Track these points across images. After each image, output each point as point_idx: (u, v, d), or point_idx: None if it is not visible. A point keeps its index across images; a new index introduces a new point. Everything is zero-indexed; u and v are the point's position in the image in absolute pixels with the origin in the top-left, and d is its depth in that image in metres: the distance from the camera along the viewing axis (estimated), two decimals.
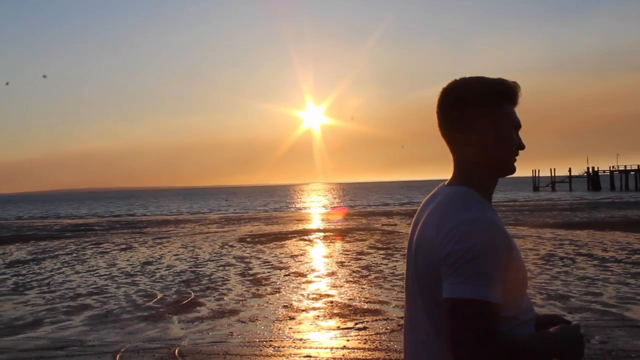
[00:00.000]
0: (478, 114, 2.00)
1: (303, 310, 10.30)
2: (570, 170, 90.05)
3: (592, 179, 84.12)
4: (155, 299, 11.72)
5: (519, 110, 2.10)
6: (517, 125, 2.06)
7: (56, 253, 21.76)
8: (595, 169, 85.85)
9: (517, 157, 2.07)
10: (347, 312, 10.06)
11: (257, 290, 12.34)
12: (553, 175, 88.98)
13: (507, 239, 1.87)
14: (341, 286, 12.47)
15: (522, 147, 2.07)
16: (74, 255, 20.88)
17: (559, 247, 17.98)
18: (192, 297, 11.83)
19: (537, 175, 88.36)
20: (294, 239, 23.61)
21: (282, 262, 16.64)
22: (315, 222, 35.91)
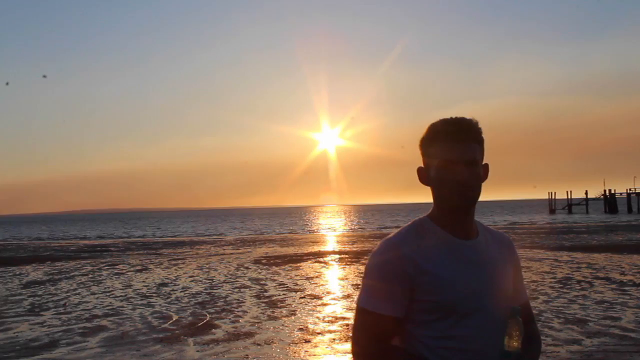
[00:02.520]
0: (423, 156, 2.30)
1: (319, 333, 10.26)
2: (586, 193, 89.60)
3: (609, 201, 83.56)
4: (171, 321, 11.71)
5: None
6: (446, 161, 2.19)
7: (72, 274, 21.81)
8: (612, 192, 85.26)
9: (469, 189, 2.21)
10: None
11: (273, 312, 12.32)
12: (569, 197, 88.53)
13: (412, 262, 2.20)
14: None
15: (457, 180, 2.18)
16: (90, 276, 20.93)
17: (576, 271, 17.84)
18: (208, 319, 11.81)
19: (553, 197, 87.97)
20: (309, 261, 23.56)
21: (297, 284, 16.60)
22: (331, 244, 35.82)
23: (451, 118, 2.23)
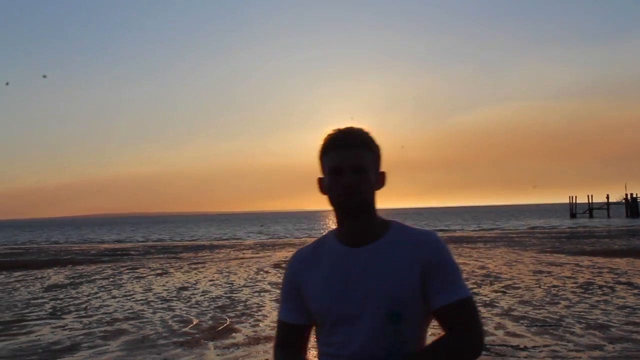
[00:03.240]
0: (320, 166, 2.38)
1: None
2: (608, 197, 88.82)
3: (631, 205, 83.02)
4: (191, 325, 11.74)
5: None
6: (333, 169, 2.28)
7: (93, 277, 21.93)
8: (634, 196, 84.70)
9: (354, 193, 2.25)
10: None
11: None
12: (590, 202, 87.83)
13: (298, 271, 2.41)
14: None
15: (342, 184, 2.25)
16: (111, 279, 21.03)
17: (597, 275, 17.68)
18: (228, 323, 11.83)
19: (574, 202, 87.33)
20: None
21: None
22: None
23: (343, 128, 2.31)
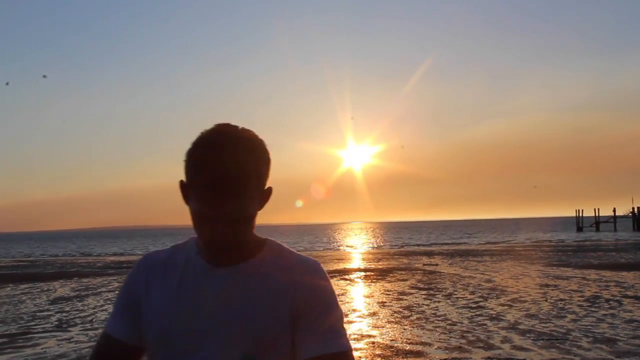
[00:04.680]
0: (185, 173, 1.83)
1: None
2: (614, 210, 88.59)
3: (638, 219, 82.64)
4: None
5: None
6: (209, 217, 1.74)
7: (99, 290, 21.96)
8: None
9: (224, 247, 1.78)
10: (389, 353, 9.97)
11: None
12: (597, 215, 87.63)
13: (141, 280, 1.95)
14: (383, 327, 12.38)
15: (215, 238, 1.75)
16: (117, 292, 20.97)
17: (604, 289, 17.65)
18: None
19: (580, 215, 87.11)
20: (335, 278, 23.50)
21: None
22: (356, 261, 35.75)
23: (221, 156, 1.72)
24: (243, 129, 1.82)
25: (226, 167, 1.71)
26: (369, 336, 11.40)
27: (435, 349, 10.18)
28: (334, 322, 1.81)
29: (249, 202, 1.76)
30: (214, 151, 1.73)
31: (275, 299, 1.80)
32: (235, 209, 1.73)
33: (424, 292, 18.26)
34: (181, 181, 1.85)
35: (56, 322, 14.43)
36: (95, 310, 16.43)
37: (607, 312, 13.46)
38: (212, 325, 1.78)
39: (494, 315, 13.35)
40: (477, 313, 13.80)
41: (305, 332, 1.78)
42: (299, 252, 1.96)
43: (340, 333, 1.81)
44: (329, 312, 1.81)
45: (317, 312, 1.80)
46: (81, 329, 13.39)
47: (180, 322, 1.80)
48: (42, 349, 11.24)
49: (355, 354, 9.87)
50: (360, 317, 13.85)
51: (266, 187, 1.86)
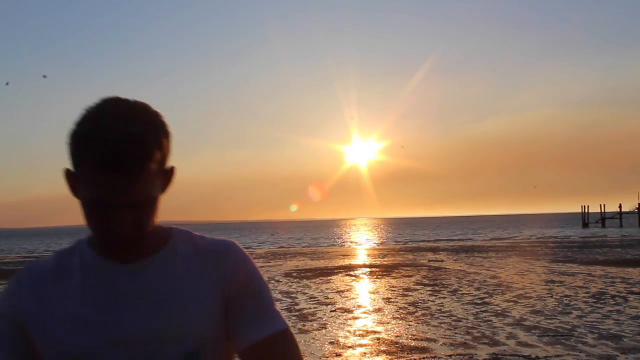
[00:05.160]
0: (71, 159, 1.50)
1: (349, 347, 10.24)
2: (620, 206, 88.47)
3: None
4: None
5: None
6: (97, 201, 1.45)
7: None
8: None
9: (124, 237, 1.49)
10: (394, 349, 9.98)
11: (304, 325, 12.32)
12: (603, 211, 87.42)
13: (24, 300, 1.57)
14: (388, 323, 12.39)
15: (114, 230, 1.47)
16: None
17: (610, 285, 17.62)
18: None
19: (586, 211, 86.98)
20: (340, 274, 23.54)
21: (328, 298, 16.60)
22: (361, 257, 35.78)
23: (113, 127, 1.41)
24: (136, 100, 1.52)
25: (121, 140, 1.40)
26: (374, 332, 11.41)
27: (441, 345, 10.18)
28: (266, 303, 1.66)
29: (151, 182, 1.48)
30: (104, 123, 1.42)
31: (201, 290, 1.59)
32: (137, 191, 1.44)
33: (429, 288, 18.27)
34: (66, 169, 1.53)
35: None
36: None
37: (612, 309, 13.44)
38: (138, 329, 1.53)
39: (499, 312, 13.35)
40: (483, 309, 13.80)
41: (239, 318, 1.62)
42: (210, 236, 1.74)
43: (275, 312, 1.66)
44: (259, 294, 1.66)
45: (249, 296, 1.63)
46: None
47: (103, 336, 1.52)
48: None
49: (361, 350, 9.93)
50: (365, 313, 13.86)
51: (168, 166, 1.56)
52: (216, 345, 1.62)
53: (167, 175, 1.59)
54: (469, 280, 20.01)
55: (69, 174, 1.53)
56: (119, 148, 1.39)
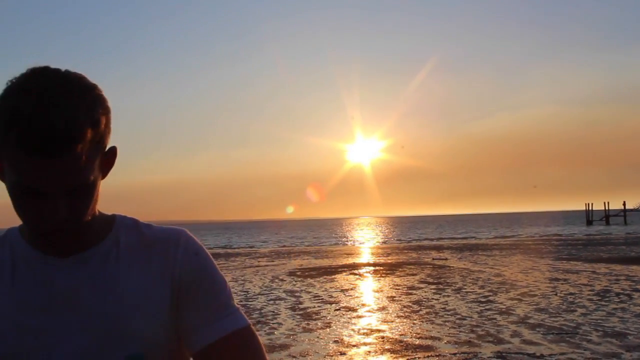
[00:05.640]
0: None
1: (354, 346, 10.24)
2: (624, 204, 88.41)
3: None
4: None
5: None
6: (27, 188, 1.25)
7: None
8: None
9: (58, 229, 1.30)
10: (398, 347, 9.98)
11: (308, 324, 12.32)
12: (607, 209, 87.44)
13: None
14: (392, 321, 12.39)
15: (48, 221, 1.28)
16: None
17: (614, 283, 17.60)
18: None
19: (590, 209, 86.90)
20: (344, 273, 23.53)
21: (332, 297, 16.59)
22: (365, 255, 35.76)
23: (38, 103, 1.20)
24: (68, 71, 1.30)
25: (50, 117, 1.20)
26: (379, 331, 11.40)
27: (445, 343, 10.18)
28: (224, 298, 1.49)
29: (87, 165, 1.28)
30: (30, 98, 1.21)
31: (148, 285, 1.42)
32: (70, 176, 1.25)
33: (433, 286, 18.25)
34: None
35: None
36: None
37: (617, 306, 13.42)
38: (73, 334, 1.36)
39: (503, 310, 13.34)
40: (487, 307, 13.79)
41: (192, 316, 1.44)
42: (158, 225, 1.54)
43: (233, 308, 1.49)
44: (215, 288, 1.49)
45: (203, 290, 1.46)
46: None
47: (34, 340, 1.35)
48: None
49: (365, 348, 9.93)
50: (369, 311, 13.85)
51: (108, 145, 1.37)
52: (164, 347, 1.44)
53: (109, 156, 1.40)
54: (473, 279, 20.00)
55: None
56: (44, 128, 1.19)
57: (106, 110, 1.32)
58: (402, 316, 12.96)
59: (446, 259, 29.53)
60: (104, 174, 1.40)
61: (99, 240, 1.44)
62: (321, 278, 21.86)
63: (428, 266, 25.60)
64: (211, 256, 1.54)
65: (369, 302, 15.38)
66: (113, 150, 1.40)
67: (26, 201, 1.27)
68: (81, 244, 1.42)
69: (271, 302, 15.99)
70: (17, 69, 1.30)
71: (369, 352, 9.78)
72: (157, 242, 1.48)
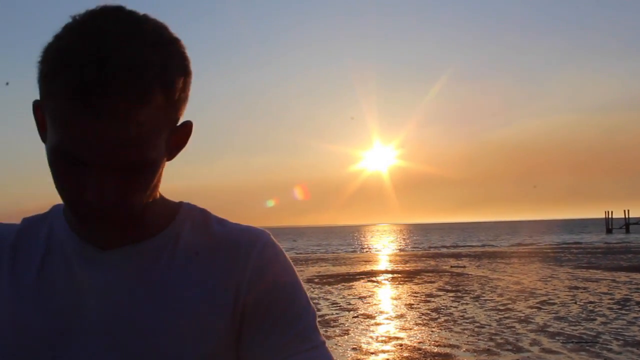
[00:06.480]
0: (41, 90, 1.00)
1: (372, 353, 10.23)
2: None
3: None
4: None
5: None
6: (66, 153, 0.96)
7: None
8: None
9: (113, 214, 1.01)
10: (416, 355, 9.95)
11: (326, 331, 12.31)
12: (627, 217, 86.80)
13: None
14: (410, 329, 12.36)
15: (87, 200, 0.98)
16: None
17: (635, 292, 17.47)
18: None
19: (610, 217, 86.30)
20: (362, 280, 23.50)
21: (350, 304, 16.58)
22: (383, 263, 35.69)
23: (101, 44, 0.92)
24: (147, 16, 1.02)
25: (110, 63, 0.91)
26: (397, 338, 11.39)
27: (464, 351, 10.14)
28: (304, 325, 1.15)
29: (151, 136, 0.98)
30: (90, 39, 0.93)
31: (207, 297, 1.11)
32: (125, 146, 0.95)
33: (451, 294, 18.20)
34: (35, 102, 1.04)
35: None
36: None
37: (637, 315, 13.33)
38: (98, 342, 1.07)
39: (522, 318, 13.28)
40: (506, 315, 13.73)
41: (258, 346, 1.11)
42: (235, 223, 1.22)
43: (317, 341, 1.15)
44: (294, 310, 1.16)
45: (277, 312, 1.13)
46: None
47: (37, 334, 1.07)
48: None
49: (383, 356, 9.92)
50: (388, 319, 13.83)
51: (182, 119, 1.08)
52: None
53: (180, 132, 1.09)
54: (491, 287, 19.91)
55: (36, 108, 1.05)
56: (104, 74, 0.90)
57: (186, 73, 1.03)
58: (420, 324, 12.93)
59: (464, 267, 29.42)
60: (172, 155, 1.11)
61: (154, 233, 1.14)
62: (339, 285, 21.84)
63: (446, 274, 25.52)
64: (294, 268, 1.22)
65: (387, 310, 15.36)
66: (188, 125, 1.11)
67: (66, 171, 0.98)
68: (132, 234, 1.12)
69: None
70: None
71: (388, 359, 9.77)
72: (226, 244, 1.16)
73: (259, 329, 1.11)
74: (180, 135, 1.10)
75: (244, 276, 1.12)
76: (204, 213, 1.21)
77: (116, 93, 0.91)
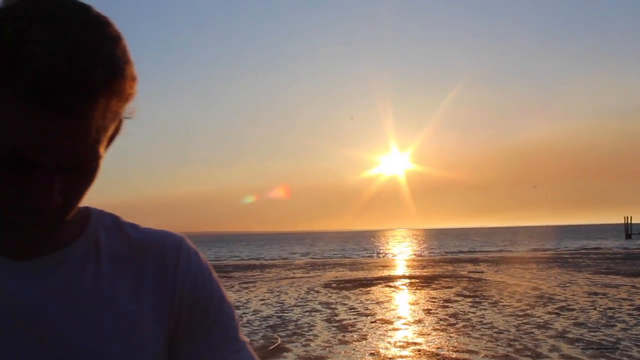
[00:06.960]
0: None
1: (390, 358, 10.20)
2: None
3: None
4: None
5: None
6: (12, 152, 0.81)
7: None
8: None
9: (46, 214, 0.88)
10: None
11: (344, 336, 12.30)
12: None
13: None
14: (428, 334, 12.32)
15: (10, 204, 0.86)
16: None
17: None
18: (279, 342, 11.87)
19: (629, 222, 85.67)
20: (380, 285, 23.47)
21: (368, 309, 16.55)
22: (400, 268, 35.63)
23: (60, 35, 0.79)
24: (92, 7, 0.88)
25: (82, 55, 0.79)
26: (415, 344, 11.35)
27: (482, 357, 10.10)
28: (232, 328, 1.13)
29: (103, 133, 0.88)
30: (45, 27, 0.79)
31: (142, 304, 1.04)
32: (82, 144, 0.85)
33: (469, 299, 18.13)
34: None
35: None
36: None
37: None
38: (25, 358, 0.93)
39: (541, 324, 13.20)
40: (524, 321, 13.66)
41: (193, 348, 1.08)
42: (148, 227, 1.13)
43: (242, 342, 1.14)
44: (223, 314, 1.13)
45: (210, 317, 1.10)
46: None
47: None
48: None
49: None
50: (405, 324, 13.80)
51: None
52: None
53: (118, 131, 0.97)
54: (510, 292, 19.82)
55: None
56: (75, 69, 0.79)
57: (133, 68, 0.90)
58: (438, 329, 12.89)
59: (482, 272, 29.30)
60: (106, 149, 0.95)
61: (69, 241, 1.02)
62: (357, 290, 21.83)
63: (464, 279, 25.43)
64: (215, 273, 1.17)
65: (405, 315, 15.33)
66: (123, 123, 0.97)
67: (6, 173, 0.84)
68: (49, 242, 0.99)
69: (307, 313, 16.00)
70: None
71: None
72: (152, 250, 1.08)
73: (195, 333, 1.08)
74: (117, 134, 0.97)
75: (175, 282, 1.07)
76: (114, 217, 1.11)
77: (88, 90, 0.80)
